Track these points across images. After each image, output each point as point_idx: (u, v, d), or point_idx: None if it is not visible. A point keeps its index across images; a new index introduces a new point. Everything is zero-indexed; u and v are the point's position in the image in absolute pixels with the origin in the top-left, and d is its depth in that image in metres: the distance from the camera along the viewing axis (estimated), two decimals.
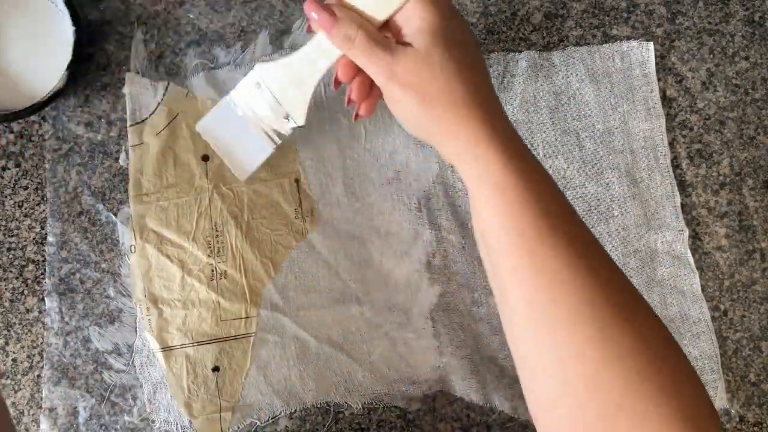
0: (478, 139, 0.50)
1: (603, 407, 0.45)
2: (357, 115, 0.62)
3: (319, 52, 0.60)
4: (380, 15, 0.54)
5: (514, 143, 0.51)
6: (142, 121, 0.79)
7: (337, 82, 0.60)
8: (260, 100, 0.66)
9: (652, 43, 0.83)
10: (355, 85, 0.59)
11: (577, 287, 0.47)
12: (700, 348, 0.78)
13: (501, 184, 0.49)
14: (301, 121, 0.64)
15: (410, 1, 0.52)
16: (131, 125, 0.79)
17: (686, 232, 0.80)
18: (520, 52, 0.82)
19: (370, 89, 0.60)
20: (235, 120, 0.68)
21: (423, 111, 0.52)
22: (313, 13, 0.54)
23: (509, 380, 0.76)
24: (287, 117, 0.65)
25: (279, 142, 0.69)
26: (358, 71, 0.58)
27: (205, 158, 0.79)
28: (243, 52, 0.82)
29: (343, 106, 0.78)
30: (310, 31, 0.60)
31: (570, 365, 0.46)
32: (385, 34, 0.55)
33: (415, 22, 0.51)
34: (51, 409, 0.75)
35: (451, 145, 0.52)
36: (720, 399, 0.77)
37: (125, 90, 0.80)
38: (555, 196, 0.51)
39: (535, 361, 0.49)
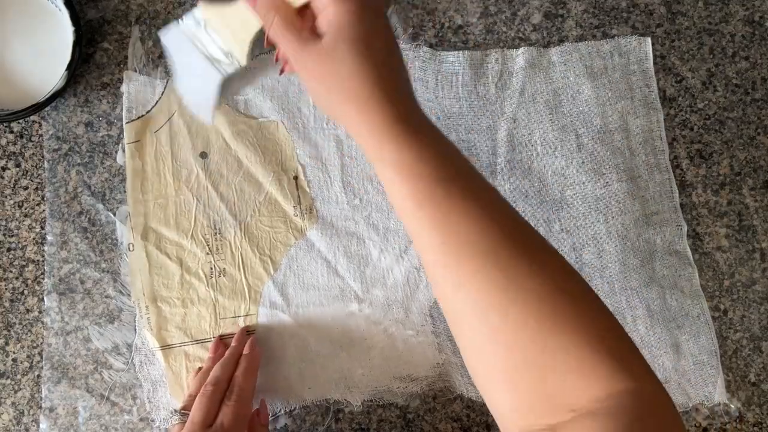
0: (373, 130, 0.52)
1: (527, 351, 0.46)
2: (282, 70, 0.64)
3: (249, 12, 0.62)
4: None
5: (412, 124, 0.53)
6: (139, 118, 0.79)
7: (269, 42, 0.61)
8: (206, 37, 0.67)
9: (649, 38, 0.83)
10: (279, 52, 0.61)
11: (480, 242, 0.49)
12: (700, 344, 0.78)
13: (398, 163, 0.51)
14: (243, 62, 0.65)
15: None
16: (128, 122, 0.79)
17: (685, 228, 0.80)
18: (518, 48, 0.83)
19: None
20: (191, 50, 0.67)
21: (327, 99, 0.54)
22: None
23: None
24: (229, 55, 0.66)
25: (226, 73, 0.67)
26: None
27: (203, 155, 0.79)
28: None
29: None
30: None
31: (486, 314, 0.48)
32: (301, 22, 0.56)
33: (327, 15, 0.53)
34: (51, 409, 0.75)
35: (353, 132, 0.54)
36: (720, 394, 0.77)
37: (123, 88, 0.80)
38: (453, 165, 0.53)
39: (459, 316, 0.50)
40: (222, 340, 0.76)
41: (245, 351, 0.73)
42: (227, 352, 0.73)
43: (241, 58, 0.64)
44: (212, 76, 0.69)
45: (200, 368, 0.74)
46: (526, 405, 0.47)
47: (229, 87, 0.68)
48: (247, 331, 0.77)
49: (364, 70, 0.51)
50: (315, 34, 0.53)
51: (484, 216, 0.50)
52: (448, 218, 0.49)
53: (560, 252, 0.50)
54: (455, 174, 0.51)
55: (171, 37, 0.69)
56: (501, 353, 0.47)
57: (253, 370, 0.71)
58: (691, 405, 0.77)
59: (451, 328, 0.53)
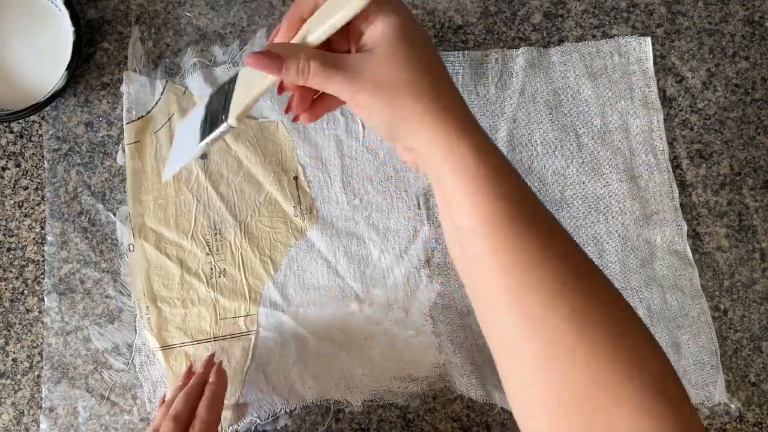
0: (449, 130, 0.50)
1: (579, 386, 0.46)
2: (296, 118, 0.62)
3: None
4: (335, 25, 0.52)
5: (481, 135, 0.52)
6: (139, 118, 0.79)
7: (281, 88, 0.59)
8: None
9: (649, 38, 0.83)
10: (296, 96, 0.59)
11: (548, 273, 0.48)
12: (700, 343, 0.78)
13: (476, 177, 0.50)
14: (233, 122, 0.62)
15: (372, 7, 0.51)
16: (128, 123, 0.79)
17: (685, 228, 0.80)
18: (518, 48, 0.83)
19: (312, 101, 0.60)
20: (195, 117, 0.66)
21: (392, 110, 0.52)
22: (258, 65, 0.54)
23: None
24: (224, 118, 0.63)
25: (208, 143, 0.63)
26: (311, 98, 0.59)
27: (203, 156, 0.79)
28: (241, 50, 0.82)
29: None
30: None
31: (545, 346, 0.47)
32: (343, 47, 0.55)
33: (378, 28, 0.51)
34: (51, 409, 0.75)
35: (424, 137, 0.52)
36: (720, 394, 0.77)
37: (123, 88, 0.80)
38: (523, 186, 0.52)
39: (511, 345, 0.49)
40: (192, 370, 0.75)
41: (210, 379, 0.70)
42: (191, 381, 0.70)
43: (232, 118, 0.60)
44: (191, 149, 0.65)
45: (164, 395, 0.74)
46: None
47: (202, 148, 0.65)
48: (212, 359, 0.75)
49: (427, 69, 0.51)
50: (366, 50, 0.52)
51: (552, 248, 0.49)
52: (520, 242, 0.48)
53: (664, 351, 0.50)
54: (527, 198, 0.51)
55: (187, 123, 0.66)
56: (554, 388, 0.47)
57: (218, 401, 0.69)
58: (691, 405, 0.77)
59: (497, 353, 0.51)
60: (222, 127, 0.59)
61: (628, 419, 0.44)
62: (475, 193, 0.50)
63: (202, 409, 0.66)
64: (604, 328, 0.47)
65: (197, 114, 0.64)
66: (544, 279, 0.48)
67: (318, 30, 0.52)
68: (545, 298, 0.47)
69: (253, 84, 0.57)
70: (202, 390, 0.69)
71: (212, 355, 0.75)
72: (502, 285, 0.49)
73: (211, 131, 0.60)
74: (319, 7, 0.53)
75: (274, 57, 0.52)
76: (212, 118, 0.61)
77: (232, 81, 0.61)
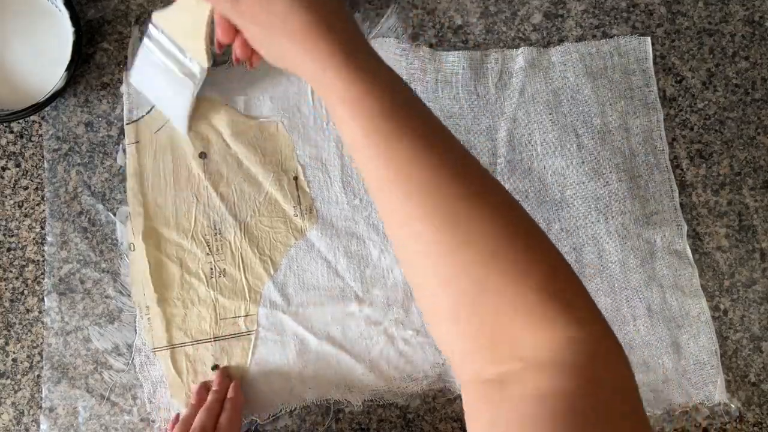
0: (317, 63, 0.52)
1: (466, 290, 0.46)
2: (250, 64, 0.65)
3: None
4: None
5: (359, 59, 0.52)
6: (139, 119, 0.79)
7: (220, 46, 0.63)
8: (169, 46, 0.69)
9: (649, 38, 0.83)
10: (236, 44, 0.62)
11: (424, 179, 0.48)
12: (700, 343, 0.78)
13: (345, 99, 0.51)
14: (204, 64, 0.67)
15: None
16: (128, 123, 0.79)
17: (685, 228, 0.80)
18: (518, 48, 0.83)
19: (246, 46, 0.62)
20: (156, 66, 0.71)
21: (269, 41, 0.54)
22: None
23: None
24: (191, 60, 0.69)
25: (197, 81, 0.71)
26: (236, 33, 0.61)
27: (203, 155, 0.79)
28: None
29: None
30: None
31: (436, 255, 0.47)
32: None
33: None
34: (51, 409, 0.75)
35: (299, 70, 0.54)
36: (720, 393, 0.77)
37: (122, 89, 0.80)
38: (402, 100, 0.52)
39: (409, 256, 0.50)
40: (205, 386, 0.76)
41: (229, 395, 0.73)
42: (210, 397, 0.72)
43: (201, 58, 0.65)
44: (183, 86, 0.70)
45: (177, 415, 0.75)
46: (473, 350, 0.47)
47: (197, 88, 0.70)
48: (228, 374, 0.76)
49: (299, 3, 0.52)
50: None
51: (432, 152, 0.49)
52: (396, 153, 0.49)
53: (561, 252, 0.49)
54: (404, 110, 0.51)
55: (136, 70, 0.71)
56: (450, 296, 0.47)
57: (238, 416, 0.71)
58: (691, 404, 0.77)
59: (402, 268, 0.52)
60: (198, 70, 0.67)
61: (524, 325, 0.45)
62: (345, 116, 0.51)
63: (224, 422, 0.69)
64: (487, 229, 0.47)
65: (149, 59, 0.70)
66: (422, 186, 0.48)
67: None
68: (424, 204, 0.48)
69: (193, 18, 0.63)
70: (221, 406, 0.71)
71: (225, 370, 0.76)
72: (386, 198, 0.50)
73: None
74: None
75: None
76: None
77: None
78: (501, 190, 0.50)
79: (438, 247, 0.47)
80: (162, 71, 0.70)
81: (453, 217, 0.47)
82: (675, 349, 0.78)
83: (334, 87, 0.51)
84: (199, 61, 0.68)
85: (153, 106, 0.79)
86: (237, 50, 0.62)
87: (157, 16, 0.68)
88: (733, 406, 0.78)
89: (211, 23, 0.65)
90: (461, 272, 0.46)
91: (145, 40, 0.70)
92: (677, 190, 0.81)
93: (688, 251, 0.80)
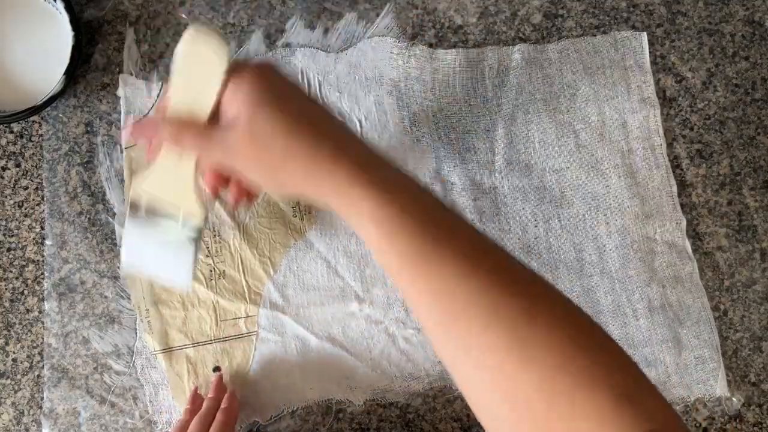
0: (339, 186, 0.50)
1: (540, 408, 0.44)
2: (237, 205, 0.66)
3: (176, 158, 0.60)
4: (204, 111, 0.54)
5: (379, 174, 0.51)
6: (136, 122, 0.79)
7: (213, 194, 0.62)
8: (158, 217, 0.64)
9: (645, 33, 0.84)
10: (231, 188, 0.61)
11: (472, 298, 0.46)
12: (701, 338, 0.78)
13: (377, 219, 0.49)
14: (201, 220, 0.63)
15: (226, 91, 0.52)
16: (125, 127, 0.79)
17: (684, 223, 0.80)
18: (514, 45, 0.83)
19: (241, 188, 0.62)
20: (147, 241, 0.66)
21: (272, 176, 0.53)
22: (139, 134, 0.56)
23: None
24: (184, 221, 0.64)
25: (197, 241, 0.66)
26: (225, 180, 0.60)
27: None
28: (237, 51, 0.82)
29: (338, 103, 0.79)
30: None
31: (489, 378, 0.46)
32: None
33: (227, 105, 0.52)
34: (51, 410, 0.75)
35: (318, 196, 0.52)
36: (721, 388, 0.77)
37: (119, 92, 0.80)
38: (436, 212, 0.51)
39: (469, 382, 0.48)
40: (199, 392, 0.75)
41: (223, 404, 0.72)
42: (205, 405, 0.71)
43: (197, 214, 0.61)
44: (183, 251, 0.66)
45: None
46: None
47: (200, 243, 0.66)
48: (224, 381, 0.76)
49: (292, 129, 0.51)
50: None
51: (479, 270, 0.47)
52: (441, 276, 0.47)
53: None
54: (442, 223, 0.50)
55: (128, 252, 0.67)
56: (516, 412, 0.45)
57: (230, 425, 0.70)
58: (692, 399, 0.77)
59: (461, 389, 0.50)
60: (192, 227, 0.63)
61: (595, 428, 0.43)
62: (377, 237, 0.49)
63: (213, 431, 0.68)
64: (547, 345, 0.45)
65: (138, 238, 0.66)
66: (472, 307, 0.46)
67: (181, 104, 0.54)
68: (476, 328, 0.46)
69: (177, 176, 0.59)
70: (215, 414, 0.71)
71: (220, 377, 0.76)
72: (435, 321, 0.48)
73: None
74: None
75: (148, 126, 0.56)
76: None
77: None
78: (558, 294, 0.49)
79: (501, 370, 0.45)
80: (156, 245, 0.66)
81: (515, 338, 0.45)
82: (676, 344, 0.78)
83: (363, 205, 0.49)
84: (194, 221, 0.63)
85: (151, 108, 0.79)
86: (234, 193, 0.61)
87: (137, 187, 0.62)
88: (734, 400, 0.77)
89: (196, 176, 0.62)
90: (530, 391, 0.44)
91: (128, 220, 0.64)
92: (675, 186, 0.81)
93: (688, 246, 0.80)
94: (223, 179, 0.60)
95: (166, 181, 0.60)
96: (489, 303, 0.46)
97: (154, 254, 0.66)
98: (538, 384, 0.44)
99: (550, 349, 0.44)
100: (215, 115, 0.54)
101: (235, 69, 0.52)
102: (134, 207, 0.64)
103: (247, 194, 0.62)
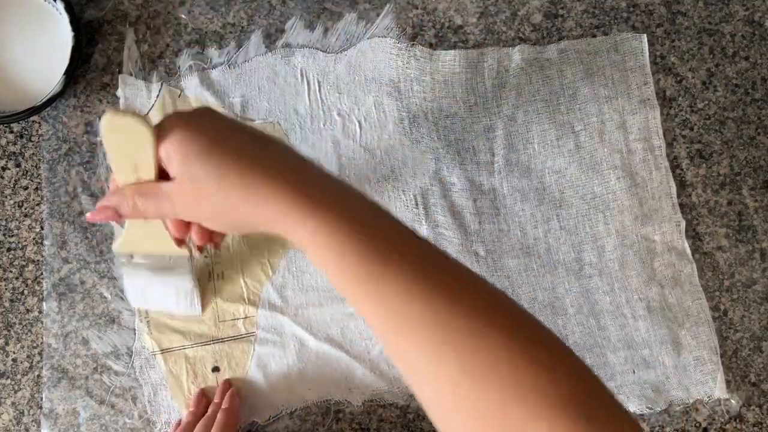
0: (280, 213, 0.50)
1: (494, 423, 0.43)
2: (216, 246, 0.66)
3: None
4: (150, 176, 0.55)
5: (322, 193, 0.51)
6: None
7: (180, 241, 0.63)
8: (148, 262, 0.67)
9: (645, 34, 0.83)
10: (194, 235, 0.61)
11: (422, 317, 0.46)
12: (700, 340, 0.78)
13: (322, 242, 0.49)
14: (187, 252, 0.66)
15: (160, 149, 0.53)
16: (88, 213, 0.79)
17: (683, 224, 0.80)
18: (514, 45, 0.83)
19: (204, 232, 0.62)
20: (147, 283, 0.69)
21: (222, 212, 0.53)
22: (99, 218, 0.57)
23: None
24: (174, 260, 0.67)
25: (190, 267, 0.69)
26: (186, 225, 0.61)
27: None
28: (236, 52, 0.82)
29: (338, 104, 0.78)
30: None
31: (453, 395, 0.45)
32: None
33: (170, 162, 0.53)
34: (51, 410, 0.75)
35: (271, 228, 0.52)
36: (720, 389, 0.77)
37: (119, 92, 0.80)
38: (382, 228, 0.51)
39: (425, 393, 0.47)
40: (204, 394, 0.76)
41: (223, 405, 0.72)
42: (211, 409, 0.73)
43: (182, 252, 0.64)
44: (181, 277, 0.69)
45: (179, 420, 0.75)
46: None
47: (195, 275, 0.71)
48: (230, 384, 0.76)
49: (222, 164, 0.51)
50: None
51: (427, 289, 0.46)
52: (388, 296, 0.47)
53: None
54: (389, 239, 0.49)
55: (133, 297, 0.71)
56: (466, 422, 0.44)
57: (231, 426, 0.71)
58: (691, 401, 0.77)
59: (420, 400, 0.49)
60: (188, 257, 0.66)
61: None
62: (324, 261, 0.49)
63: None
64: (502, 357, 0.44)
65: (138, 284, 0.70)
66: (419, 322, 0.45)
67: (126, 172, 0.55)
68: (424, 346, 0.45)
69: (149, 228, 0.62)
70: None
71: (228, 382, 0.76)
72: (386, 339, 0.48)
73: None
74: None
75: (106, 208, 0.56)
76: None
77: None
78: (504, 297, 0.48)
79: (454, 393, 0.44)
80: (156, 284, 0.69)
81: (465, 367, 0.44)
82: (675, 346, 0.78)
83: (305, 230, 0.49)
84: (182, 260, 0.67)
85: (150, 108, 0.79)
86: (197, 239, 0.61)
87: (118, 250, 0.65)
88: (733, 402, 0.77)
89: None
90: (480, 403, 0.43)
91: (123, 270, 0.68)
92: (675, 187, 0.80)
93: (687, 248, 0.80)
94: (185, 226, 0.60)
95: (141, 236, 0.63)
96: (438, 325, 0.45)
97: (157, 292, 0.70)
98: (498, 406, 0.43)
99: (503, 368, 0.43)
100: (164, 175, 0.54)
101: (162, 125, 0.53)
102: (124, 265, 0.66)
103: (210, 237, 0.62)
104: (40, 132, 0.80)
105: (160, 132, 0.52)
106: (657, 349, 0.78)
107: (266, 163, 0.52)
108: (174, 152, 0.52)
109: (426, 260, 0.49)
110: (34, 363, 0.76)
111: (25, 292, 0.77)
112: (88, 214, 0.58)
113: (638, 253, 0.79)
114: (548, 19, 0.84)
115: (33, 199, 0.79)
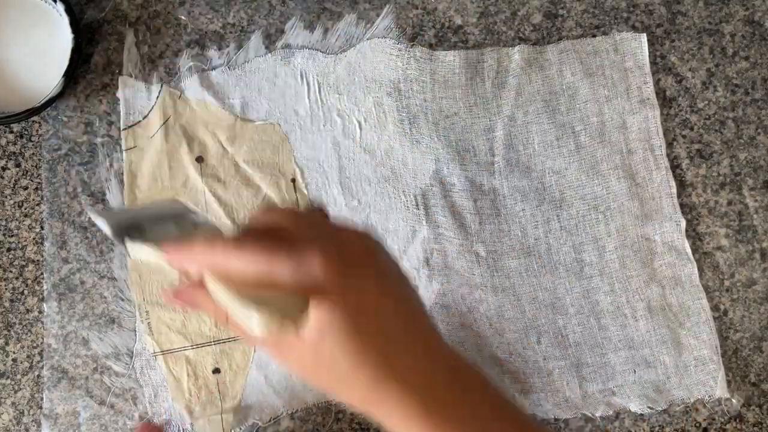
0: (389, 416, 0.47)
1: None
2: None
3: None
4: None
5: (438, 410, 0.47)
6: (136, 124, 0.79)
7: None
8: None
9: (644, 34, 0.83)
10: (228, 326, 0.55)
11: None
12: (700, 339, 0.78)
13: None
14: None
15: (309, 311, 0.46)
16: (125, 128, 0.79)
17: (683, 224, 0.80)
18: (514, 45, 0.83)
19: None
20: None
21: (327, 389, 0.50)
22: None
23: (510, 377, 0.76)
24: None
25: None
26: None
27: (200, 159, 0.79)
28: (236, 53, 0.82)
29: (338, 105, 0.78)
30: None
31: None
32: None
33: (310, 319, 0.46)
34: (51, 410, 0.75)
35: (372, 416, 0.48)
36: (721, 389, 0.77)
37: (119, 93, 0.80)
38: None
39: None
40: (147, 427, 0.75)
41: None
42: None
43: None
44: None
45: (147, 423, 0.75)
46: None
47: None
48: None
49: (358, 353, 0.45)
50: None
51: None
52: None
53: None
54: None
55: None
56: None
57: None
58: (692, 401, 0.77)
59: None
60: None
61: None
62: None
63: None
64: None
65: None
66: None
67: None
68: None
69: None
70: None
71: (147, 426, 0.75)
72: None
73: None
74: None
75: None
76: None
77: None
78: None
79: None
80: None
81: None
82: (675, 346, 0.78)
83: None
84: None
85: (150, 110, 0.79)
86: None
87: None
88: (734, 401, 0.77)
89: None
90: None
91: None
92: (675, 187, 0.80)
93: (687, 247, 0.80)
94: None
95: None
96: None
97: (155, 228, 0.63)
98: None
99: None
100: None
101: (324, 289, 0.46)
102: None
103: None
104: (40, 132, 0.80)
105: (316, 291, 0.46)
106: (657, 349, 0.78)
107: (405, 372, 0.47)
108: (315, 321, 0.45)
109: None
110: (34, 363, 0.76)
111: (25, 292, 0.77)
112: (170, 293, 0.51)
113: (639, 253, 0.79)
114: (548, 19, 0.84)
115: (33, 199, 0.79)
